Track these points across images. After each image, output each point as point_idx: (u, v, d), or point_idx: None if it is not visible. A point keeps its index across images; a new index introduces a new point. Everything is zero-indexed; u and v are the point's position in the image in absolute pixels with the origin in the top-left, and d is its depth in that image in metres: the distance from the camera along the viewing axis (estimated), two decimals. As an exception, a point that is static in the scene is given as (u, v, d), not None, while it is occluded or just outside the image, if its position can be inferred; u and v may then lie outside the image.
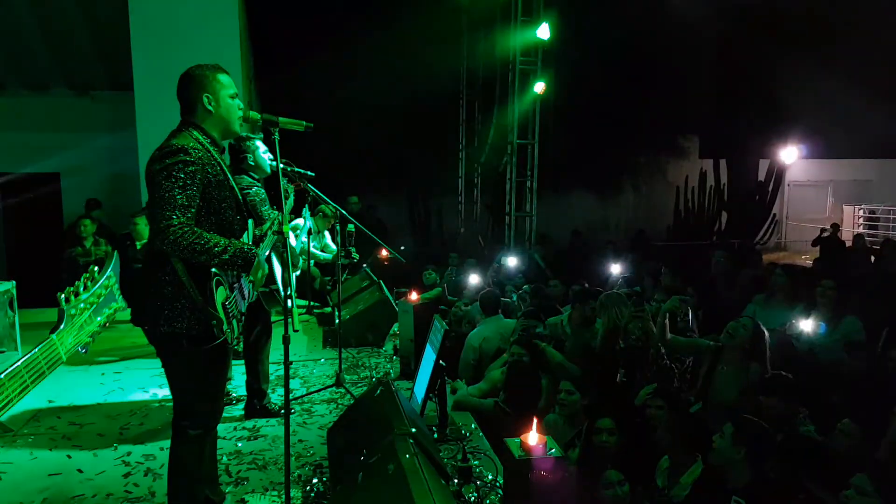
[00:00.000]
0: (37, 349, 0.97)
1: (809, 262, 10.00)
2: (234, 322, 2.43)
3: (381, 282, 5.82)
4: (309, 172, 3.94)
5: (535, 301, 5.73)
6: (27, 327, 5.22)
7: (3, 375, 0.93)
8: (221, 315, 2.34)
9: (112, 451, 3.39)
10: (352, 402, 4.06)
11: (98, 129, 9.24)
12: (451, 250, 9.65)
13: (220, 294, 2.33)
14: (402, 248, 7.66)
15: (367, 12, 10.60)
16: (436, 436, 3.44)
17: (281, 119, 2.50)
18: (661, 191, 15.15)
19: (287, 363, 2.49)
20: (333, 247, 5.95)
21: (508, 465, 2.47)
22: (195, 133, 2.35)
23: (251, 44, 8.95)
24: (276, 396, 4.07)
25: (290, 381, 4.44)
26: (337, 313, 5.11)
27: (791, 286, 5.09)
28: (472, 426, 3.67)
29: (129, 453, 3.36)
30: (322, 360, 5.08)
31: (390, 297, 5.55)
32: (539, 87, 9.66)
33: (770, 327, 4.22)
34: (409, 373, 4.52)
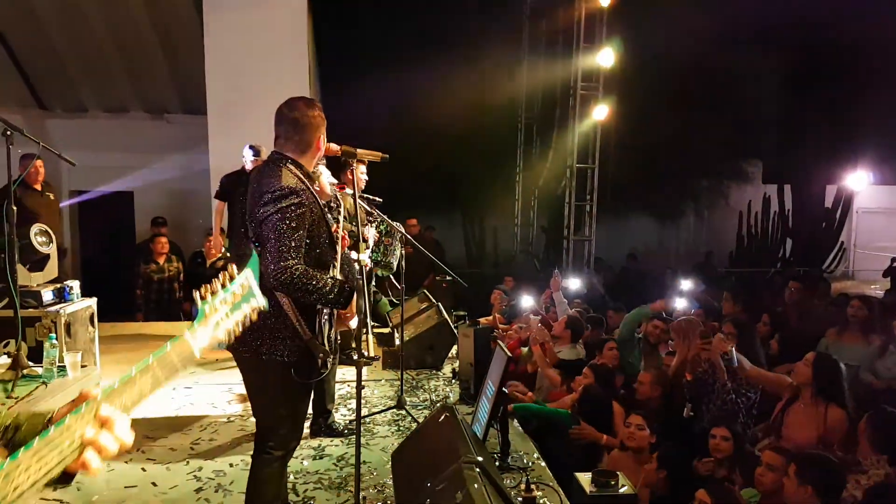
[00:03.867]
0: (168, 345, 1.00)
1: (879, 293, 9.55)
2: (331, 357, 2.51)
3: (439, 304, 5.86)
4: (377, 199, 4.04)
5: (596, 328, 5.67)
6: (103, 340, 5.46)
7: (134, 371, 0.99)
8: (327, 347, 2.42)
9: (184, 466, 3.50)
10: (413, 424, 4.10)
11: (170, 150, 9.66)
12: (506, 273, 9.64)
13: (326, 328, 2.43)
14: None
15: (427, 38, 10.80)
16: (497, 463, 3.42)
17: (359, 150, 2.57)
18: (722, 216, 14.76)
19: (359, 387, 2.54)
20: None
21: (580, 499, 2.44)
22: (293, 169, 2.39)
23: (317, 70, 9.24)
24: (339, 416, 4.14)
25: (351, 401, 4.55)
26: (398, 335, 5.17)
27: (868, 319, 4.87)
28: (535, 455, 3.64)
29: (200, 468, 3.47)
30: (382, 380, 5.14)
31: (448, 321, 5.58)
32: (600, 112, 9.64)
33: (846, 363, 4.04)
34: (469, 397, 4.53)
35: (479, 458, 2.54)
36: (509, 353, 3.65)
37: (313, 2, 8.14)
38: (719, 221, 14.82)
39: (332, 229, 2.57)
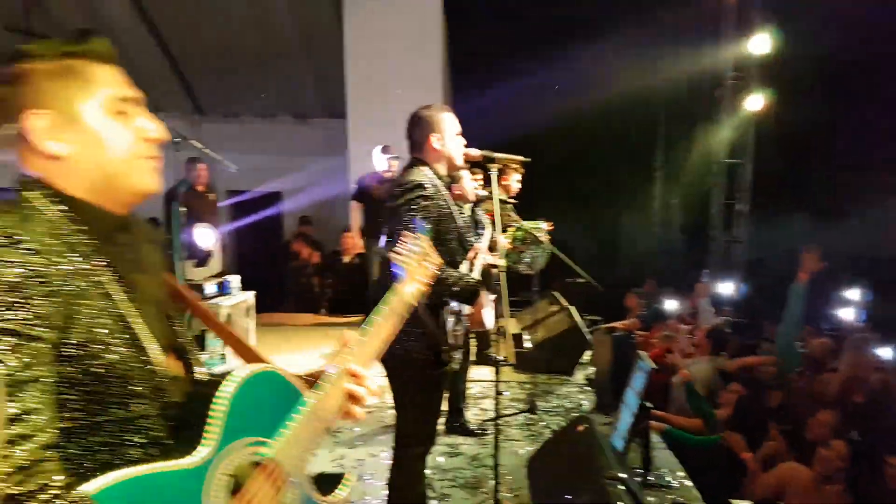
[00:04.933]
0: (389, 295, 1.11)
1: None
2: (459, 352, 2.51)
3: (571, 308, 5.69)
4: (511, 200, 3.98)
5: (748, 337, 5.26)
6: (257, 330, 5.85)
7: (370, 325, 1.32)
8: (451, 342, 2.43)
9: (328, 452, 3.66)
10: (545, 430, 4.01)
11: (314, 153, 10.21)
12: (642, 275, 9.21)
13: (451, 322, 2.44)
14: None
15: (560, 29, 10.54)
16: (639, 480, 3.25)
17: (498, 154, 2.55)
18: (893, 217, 13.17)
19: (497, 393, 2.50)
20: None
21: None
22: (424, 169, 2.47)
23: (450, 69, 9.35)
24: (470, 415, 4.14)
25: (483, 400, 4.53)
26: (527, 337, 5.10)
27: None
28: (680, 473, 3.42)
29: (342, 456, 3.61)
30: (512, 382, 5.08)
31: (581, 325, 5.40)
32: (753, 103, 8.93)
33: None
34: (603, 406, 4.36)
35: (623, 476, 2.43)
36: (653, 364, 3.45)
37: (447, 3, 8.24)
38: (889, 222, 13.23)
39: (462, 229, 2.56)
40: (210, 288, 4.81)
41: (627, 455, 3.34)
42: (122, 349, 1.00)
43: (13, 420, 0.86)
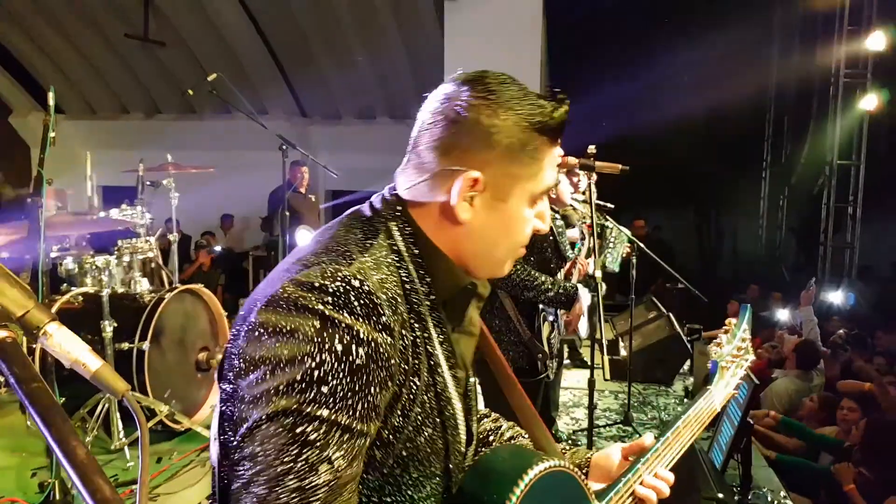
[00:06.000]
0: (700, 401, 1.03)
1: None
2: (555, 361, 2.51)
3: (670, 314, 5.50)
4: (608, 205, 3.90)
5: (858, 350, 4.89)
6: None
7: (679, 423, 1.25)
8: (546, 349, 2.44)
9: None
10: (640, 442, 3.90)
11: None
12: (746, 280, 8.75)
13: (545, 330, 2.44)
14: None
15: (662, 24, 10.17)
16: (738, 499, 3.10)
17: (597, 163, 2.51)
18: None
19: (591, 407, 2.47)
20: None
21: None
22: None
23: (550, 73, 9.25)
24: (562, 424, 4.09)
25: (575, 409, 4.47)
26: (623, 344, 4.97)
27: None
28: (782, 493, 3.24)
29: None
30: (606, 391, 4.98)
31: (681, 333, 5.21)
32: (868, 102, 8.32)
33: None
34: (704, 420, 4.19)
35: (721, 496, 2.34)
36: (755, 379, 3.28)
37: (548, 7, 8.16)
38: None
39: (558, 237, 2.54)
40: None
41: (726, 472, 3.21)
42: (432, 429, 0.87)
43: None
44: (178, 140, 10.26)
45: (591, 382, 2.42)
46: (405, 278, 0.86)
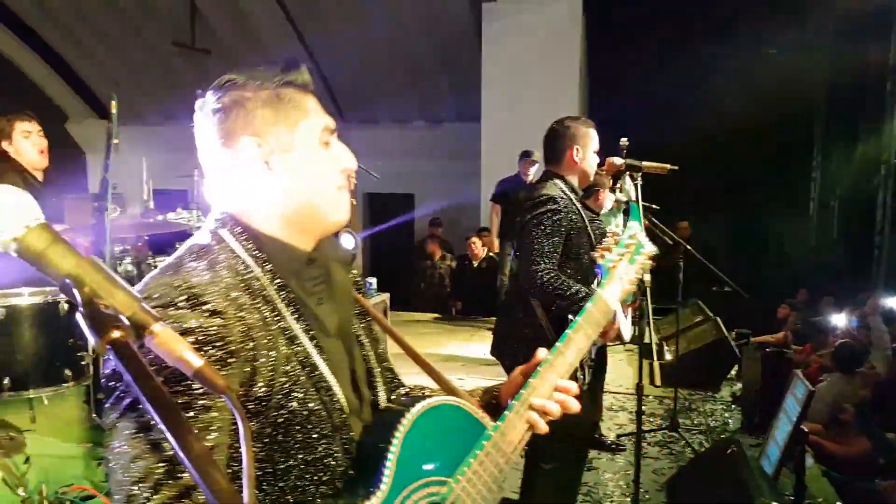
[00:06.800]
0: (589, 304, 1.10)
1: None
2: (586, 368, 2.45)
3: (717, 319, 5.36)
4: (653, 206, 3.83)
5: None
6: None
7: (569, 330, 1.19)
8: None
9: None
10: (686, 449, 3.81)
11: (445, 156, 10.42)
12: (795, 284, 8.48)
13: None
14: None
15: (713, 24, 9.95)
16: (792, 510, 2.99)
17: (644, 163, 2.47)
18: None
19: (639, 412, 2.41)
20: None
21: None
22: (559, 183, 2.46)
23: (589, 73, 9.15)
24: (605, 429, 4.03)
25: (619, 414, 4.39)
26: (668, 348, 4.87)
27: None
28: (838, 505, 3.12)
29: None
30: (650, 396, 4.87)
31: (728, 338, 5.07)
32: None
33: None
34: (752, 427, 4.07)
35: (776, 505, 2.26)
36: (810, 386, 3.17)
37: (588, 9, 8.09)
38: None
39: (596, 242, 2.50)
40: (351, 289, 5.04)
41: (779, 482, 3.10)
42: (303, 394, 0.96)
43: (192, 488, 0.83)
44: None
45: (639, 387, 2.36)
46: (242, 270, 0.97)
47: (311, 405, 0.97)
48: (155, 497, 0.81)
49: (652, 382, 4.87)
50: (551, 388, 1.12)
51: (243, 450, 0.66)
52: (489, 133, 8.07)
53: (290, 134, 1.02)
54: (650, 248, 1.33)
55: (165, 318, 0.83)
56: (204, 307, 0.88)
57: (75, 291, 0.70)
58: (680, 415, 4.32)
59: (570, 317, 2.29)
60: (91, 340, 0.66)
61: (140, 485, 0.82)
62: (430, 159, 10.66)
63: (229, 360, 0.88)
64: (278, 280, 0.99)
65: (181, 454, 0.60)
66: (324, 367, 1.00)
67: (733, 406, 4.61)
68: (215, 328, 0.88)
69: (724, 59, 9.60)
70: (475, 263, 7.86)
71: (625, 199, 4.09)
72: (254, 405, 0.91)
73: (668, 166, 2.54)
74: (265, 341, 0.93)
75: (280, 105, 1.02)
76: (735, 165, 11.01)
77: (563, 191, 2.42)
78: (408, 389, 1.27)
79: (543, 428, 1.10)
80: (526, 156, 6.14)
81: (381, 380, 1.17)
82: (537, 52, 7.71)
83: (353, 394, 1.08)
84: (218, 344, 0.88)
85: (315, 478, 0.98)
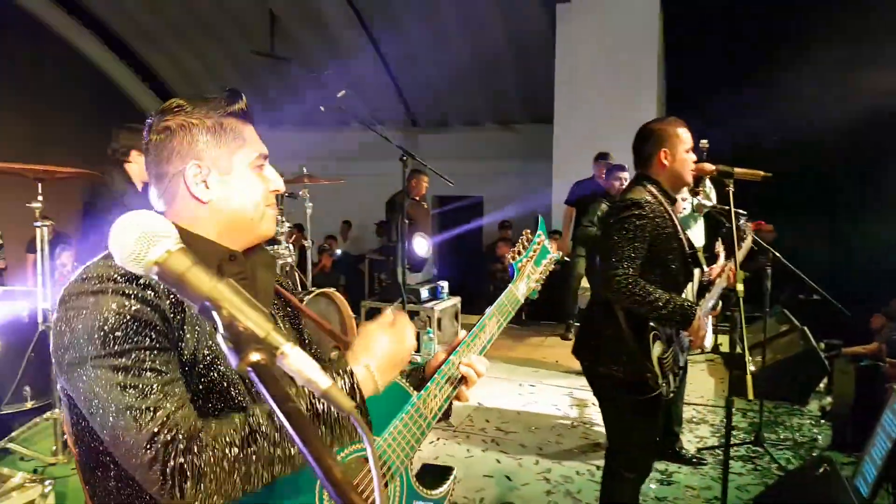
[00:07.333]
0: (502, 296, 1.19)
1: None
2: (671, 376, 2.40)
3: (804, 328, 5.12)
4: (741, 212, 3.69)
5: None
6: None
7: (483, 319, 1.46)
8: (656, 369, 2.33)
9: (534, 465, 3.69)
10: (772, 465, 3.66)
11: (516, 158, 10.37)
12: (889, 292, 7.96)
13: (656, 348, 2.34)
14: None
15: (802, 31, 9.50)
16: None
17: (736, 170, 2.39)
18: None
19: (729, 427, 2.34)
20: None
21: None
22: (649, 186, 2.41)
23: (667, 76, 8.91)
24: (685, 441, 3.91)
25: (699, 426, 4.26)
26: (750, 358, 4.67)
27: None
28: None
29: (549, 470, 3.61)
30: (734, 408, 4.69)
31: (817, 349, 4.83)
32: None
33: None
34: (845, 445, 3.86)
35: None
36: (911, 404, 2.98)
37: (666, 9, 7.87)
38: None
39: (687, 249, 2.43)
40: (424, 293, 5.12)
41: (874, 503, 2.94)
42: (224, 367, 1.07)
43: (177, 409, 0.97)
44: (298, 151, 10.80)
45: (729, 402, 2.29)
46: None
47: (230, 378, 1.08)
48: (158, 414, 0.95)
49: (743, 395, 4.70)
50: (466, 364, 1.34)
51: (373, 470, 0.69)
52: (562, 135, 7.98)
53: (229, 159, 1.17)
54: (554, 255, 1.62)
55: (105, 288, 0.99)
56: (138, 281, 1.00)
57: (214, 314, 0.74)
58: (766, 429, 4.16)
59: (651, 324, 2.27)
60: (232, 362, 0.70)
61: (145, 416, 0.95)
62: (501, 161, 10.63)
63: (165, 323, 1.02)
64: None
65: (322, 477, 0.62)
66: None
67: (822, 421, 4.39)
68: (149, 298, 1.00)
69: (815, 61, 9.15)
70: (548, 267, 7.79)
71: (708, 203, 3.98)
72: (181, 369, 1.03)
73: (762, 173, 2.44)
74: (191, 316, 1.06)
75: (222, 133, 1.16)
76: (826, 170, 10.49)
77: (652, 194, 2.38)
78: None
79: (465, 397, 1.35)
80: (601, 158, 6.04)
81: None
82: (613, 53, 7.57)
83: None
84: (151, 309, 1.00)
85: None
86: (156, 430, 0.93)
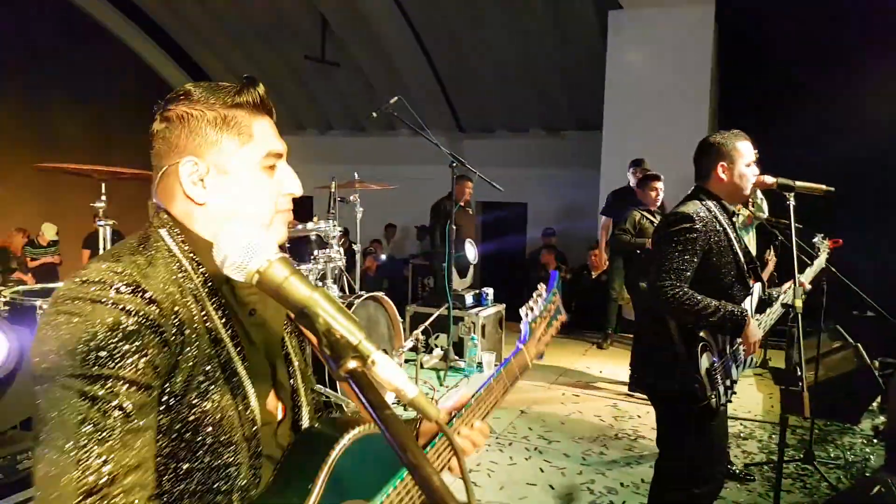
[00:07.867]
0: (511, 357, 1.20)
1: None
2: (721, 388, 2.39)
3: (858, 345, 4.98)
4: (798, 225, 3.63)
5: None
6: (508, 341, 6.13)
7: (488, 381, 1.35)
8: (704, 380, 2.33)
9: (578, 476, 3.69)
10: (822, 483, 3.59)
11: (563, 166, 10.32)
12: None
13: (704, 360, 2.34)
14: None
15: (856, 39, 9.23)
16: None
17: (798, 183, 2.37)
18: None
19: (782, 445, 2.32)
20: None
21: None
22: (705, 199, 2.41)
23: (721, 87, 8.76)
24: (733, 457, 3.86)
25: (747, 442, 4.19)
26: (800, 373, 4.57)
27: None
28: None
29: (592, 481, 3.60)
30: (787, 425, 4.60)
31: (872, 366, 4.70)
32: None
33: None
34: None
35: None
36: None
37: (720, 20, 7.75)
38: None
39: (742, 263, 2.42)
40: (469, 299, 5.17)
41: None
42: (219, 396, 0.97)
43: (130, 470, 0.85)
44: (346, 155, 10.99)
45: (784, 419, 2.28)
46: (177, 269, 0.98)
47: (224, 409, 0.97)
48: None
49: (798, 412, 4.61)
50: (469, 428, 1.25)
51: (464, 479, 0.72)
52: (610, 142, 7.93)
53: (229, 158, 1.02)
54: (564, 316, 1.53)
55: (106, 298, 0.88)
56: (144, 294, 0.90)
57: (312, 321, 0.80)
58: (816, 447, 4.07)
59: (701, 333, 2.27)
60: (331, 369, 0.76)
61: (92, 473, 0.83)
62: (547, 168, 10.60)
63: (163, 349, 0.91)
64: (210, 284, 1.01)
65: (420, 484, 0.64)
66: (243, 374, 1.01)
67: (875, 440, 4.27)
68: (153, 316, 0.90)
69: (871, 77, 8.88)
70: (594, 275, 7.75)
71: (762, 215, 3.93)
72: (168, 397, 0.93)
73: (825, 187, 2.43)
74: (192, 338, 0.95)
75: (224, 128, 1.02)
76: (883, 183, 10.15)
77: (707, 208, 2.38)
78: (332, 413, 1.34)
79: (457, 472, 1.18)
80: (635, 165, 5.99)
81: (306, 400, 1.18)
82: (665, 61, 7.49)
83: (273, 408, 1.10)
84: (154, 329, 0.90)
85: (215, 486, 0.97)
86: (94, 487, 0.82)
